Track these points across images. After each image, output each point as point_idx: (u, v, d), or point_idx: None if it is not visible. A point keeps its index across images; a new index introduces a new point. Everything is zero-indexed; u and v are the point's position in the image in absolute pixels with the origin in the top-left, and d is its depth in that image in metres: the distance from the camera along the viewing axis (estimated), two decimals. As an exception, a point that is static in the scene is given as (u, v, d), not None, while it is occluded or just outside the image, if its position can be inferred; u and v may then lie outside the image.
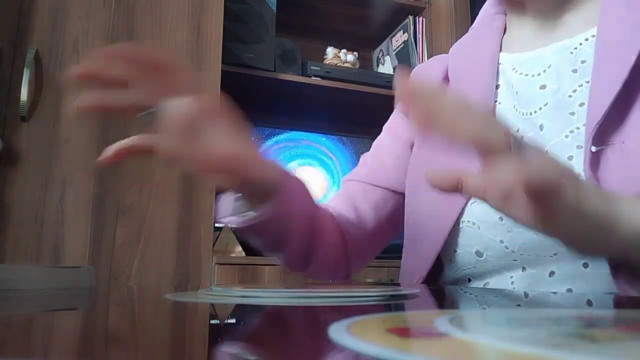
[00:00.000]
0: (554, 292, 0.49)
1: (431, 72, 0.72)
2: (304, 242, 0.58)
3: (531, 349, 0.13)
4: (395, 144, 0.72)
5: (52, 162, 1.34)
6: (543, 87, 0.58)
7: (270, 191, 0.50)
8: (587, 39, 0.57)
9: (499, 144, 0.35)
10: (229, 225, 0.55)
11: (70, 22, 1.41)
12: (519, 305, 0.30)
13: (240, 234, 0.57)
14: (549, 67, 0.59)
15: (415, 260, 0.62)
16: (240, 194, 0.52)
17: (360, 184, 0.71)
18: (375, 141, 0.76)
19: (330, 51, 1.95)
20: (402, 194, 0.68)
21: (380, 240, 0.72)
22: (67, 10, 1.41)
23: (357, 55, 1.99)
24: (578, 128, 0.53)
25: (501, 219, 0.53)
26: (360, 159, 0.75)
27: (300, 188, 0.57)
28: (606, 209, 0.39)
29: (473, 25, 0.73)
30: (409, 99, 0.37)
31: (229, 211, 0.54)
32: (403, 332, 0.15)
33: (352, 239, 0.67)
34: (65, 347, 0.18)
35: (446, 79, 0.68)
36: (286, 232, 0.56)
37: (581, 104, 0.54)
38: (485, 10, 0.72)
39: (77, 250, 1.31)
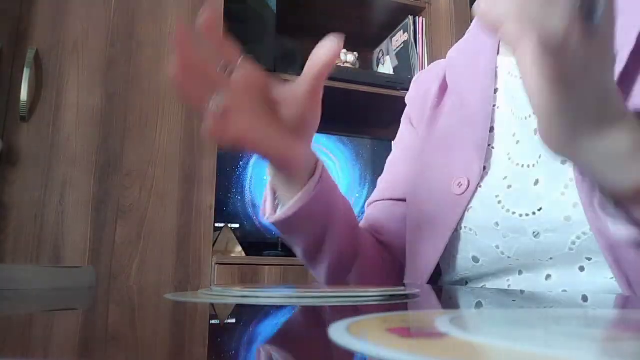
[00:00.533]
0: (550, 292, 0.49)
1: (432, 75, 0.72)
2: (348, 239, 0.58)
3: (531, 349, 0.13)
4: (406, 154, 0.72)
5: (52, 162, 1.34)
6: None
7: (306, 175, 0.51)
8: None
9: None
10: (275, 221, 0.54)
11: (70, 22, 1.41)
12: (514, 301, 0.30)
13: (285, 236, 0.56)
14: None
15: (417, 265, 0.62)
16: (279, 177, 0.52)
17: (381, 203, 0.71)
18: (388, 158, 0.76)
19: (330, 51, 1.95)
20: None
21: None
22: (67, 10, 1.41)
23: (357, 55, 1.99)
24: None
25: (497, 224, 0.54)
26: (378, 181, 0.76)
27: (335, 185, 0.57)
28: (605, 101, 0.36)
29: (470, 29, 0.73)
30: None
31: (271, 209, 0.54)
32: (403, 332, 0.15)
33: (388, 258, 0.67)
34: (65, 347, 0.18)
35: (444, 84, 0.69)
36: (328, 224, 0.55)
37: None
38: None
39: (77, 250, 1.31)
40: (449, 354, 0.12)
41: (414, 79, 0.78)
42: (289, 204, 0.51)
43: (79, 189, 1.34)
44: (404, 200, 0.68)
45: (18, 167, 1.31)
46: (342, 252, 0.58)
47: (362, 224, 0.71)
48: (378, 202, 0.71)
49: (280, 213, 0.52)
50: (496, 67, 0.64)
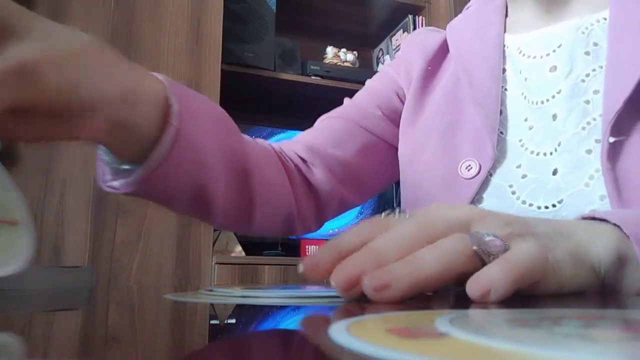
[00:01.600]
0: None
1: (429, 42, 0.65)
2: (235, 187, 0.48)
3: (531, 349, 0.13)
4: (390, 91, 0.66)
5: (52, 162, 1.34)
6: (553, 68, 0.54)
7: (151, 134, 0.38)
8: (598, 21, 0.53)
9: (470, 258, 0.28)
10: (116, 190, 0.41)
11: (69, 22, 1.41)
12: (518, 304, 0.29)
13: (138, 194, 0.42)
14: (559, 46, 0.54)
15: None
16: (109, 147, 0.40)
17: (346, 122, 0.63)
18: (369, 83, 0.69)
19: (330, 50, 1.95)
20: (394, 147, 0.63)
21: (368, 187, 0.65)
22: (67, 10, 1.41)
23: (356, 55, 1.99)
24: (594, 119, 0.49)
25: None
26: (346, 100, 0.67)
27: (207, 115, 0.44)
28: (584, 274, 0.33)
29: (470, 3, 0.68)
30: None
31: (110, 172, 0.42)
32: (403, 332, 0.15)
33: (334, 176, 0.60)
34: (65, 347, 0.18)
35: (442, 50, 0.64)
36: (199, 179, 0.43)
37: (596, 92, 0.50)
38: None
39: (77, 250, 1.31)
40: (449, 354, 0.12)
41: (408, 37, 0.71)
42: (135, 171, 0.40)
43: (79, 189, 1.34)
44: (373, 134, 0.63)
45: (18, 167, 1.31)
46: (233, 200, 0.48)
47: (304, 134, 0.64)
48: (342, 119, 0.64)
49: (128, 182, 0.40)
50: (504, 45, 0.59)
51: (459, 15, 0.67)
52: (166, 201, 0.45)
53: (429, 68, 0.63)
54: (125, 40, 1.45)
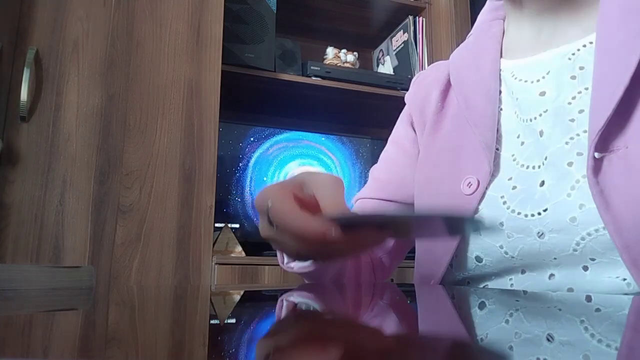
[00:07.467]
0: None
1: (432, 79, 0.71)
2: (353, 274, 0.65)
3: None
4: (402, 155, 0.72)
5: (52, 162, 1.34)
6: (542, 93, 0.58)
7: None
8: (584, 45, 0.57)
9: None
10: (292, 269, 0.58)
11: (70, 22, 1.41)
12: (517, 300, 0.29)
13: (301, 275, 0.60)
14: (547, 73, 0.59)
15: (429, 265, 0.62)
16: None
17: (373, 201, 0.72)
18: (382, 154, 0.76)
19: (330, 51, 1.95)
20: None
21: (401, 252, 0.73)
22: (67, 10, 1.41)
23: (357, 55, 1.99)
24: (578, 135, 0.53)
25: (502, 224, 0.53)
26: (369, 174, 0.76)
27: None
28: None
29: (471, 33, 0.72)
30: None
31: (288, 258, 0.56)
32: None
33: (374, 256, 0.69)
34: (65, 347, 0.18)
35: (446, 88, 0.68)
36: (342, 270, 0.61)
37: (581, 111, 0.54)
38: (482, 17, 0.72)
39: (77, 250, 1.31)
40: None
41: (414, 79, 0.77)
42: (311, 265, 0.54)
43: (79, 189, 1.34)
44: (396, 202, 0.70)
45: (18, 167, 1.31)
46: (348, 278, 0.63)
47: None
48: (369, 200, 0.72)
49: (303, 267, 0.55)
50: (500, 70, 0.64)
51: (460, 45, 0.72)
52: (320, 277, 0.59)
53: (440, 104, 0.68)
54: (125, 40, 1.45)
